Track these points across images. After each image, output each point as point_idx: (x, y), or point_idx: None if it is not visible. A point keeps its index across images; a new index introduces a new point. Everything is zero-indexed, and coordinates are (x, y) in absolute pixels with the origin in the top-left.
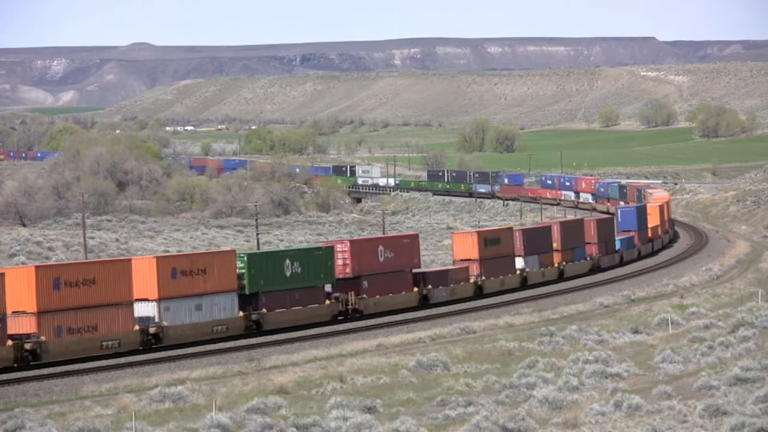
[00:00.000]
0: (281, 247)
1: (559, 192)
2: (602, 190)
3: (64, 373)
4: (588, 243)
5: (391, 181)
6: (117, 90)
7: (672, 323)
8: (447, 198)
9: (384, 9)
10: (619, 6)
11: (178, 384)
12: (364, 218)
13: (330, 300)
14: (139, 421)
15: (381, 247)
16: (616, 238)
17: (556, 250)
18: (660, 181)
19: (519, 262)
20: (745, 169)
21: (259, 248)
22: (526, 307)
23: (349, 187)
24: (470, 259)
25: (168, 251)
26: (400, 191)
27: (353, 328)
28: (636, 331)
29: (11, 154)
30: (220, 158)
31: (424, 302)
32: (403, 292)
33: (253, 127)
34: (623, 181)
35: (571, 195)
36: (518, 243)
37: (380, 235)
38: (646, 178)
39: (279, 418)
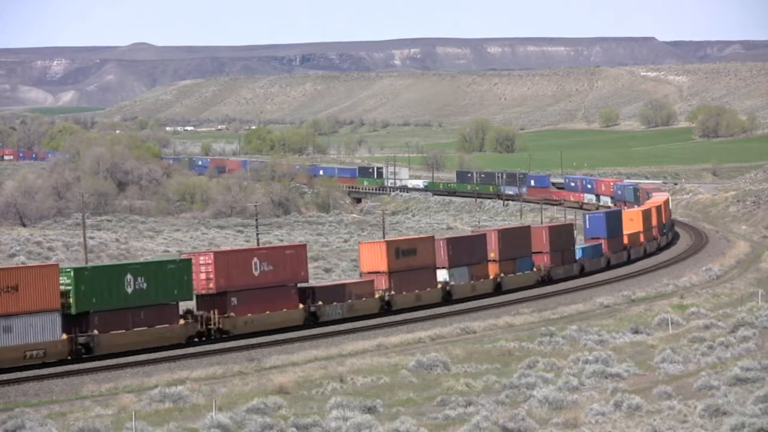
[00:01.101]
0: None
1: (581, 195)
2: (619, 192)
3: (64, 373)
4: (537, 252)
5: (420, 183)
6: (117, 90)
7: (672, 323)
8: (447, 198)
9: (384, 9)
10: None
11: (178, 384)
12: (364, 218)
13: (186, 319)
14: (139, 421)
15: (256, 260)
16: (577, 246)
17: (493, 261)
18: (660, 181)
19: (441, 275)
20: (745, 169)
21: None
22: (526, 308)
23: (349, 188)
24: (378, 272)
25: (168, 251)
26: (432, 194)
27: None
28: (636, 331)
29: (20, 154)
30: (237, 159)
31: (313, 320)
32: (285, 309)
33: (253, 127)
34: (640, 183)
35: (593, 198)
36: (442, 253)
37: (255, 246)
38: (646, 178)
39: (279, 418)
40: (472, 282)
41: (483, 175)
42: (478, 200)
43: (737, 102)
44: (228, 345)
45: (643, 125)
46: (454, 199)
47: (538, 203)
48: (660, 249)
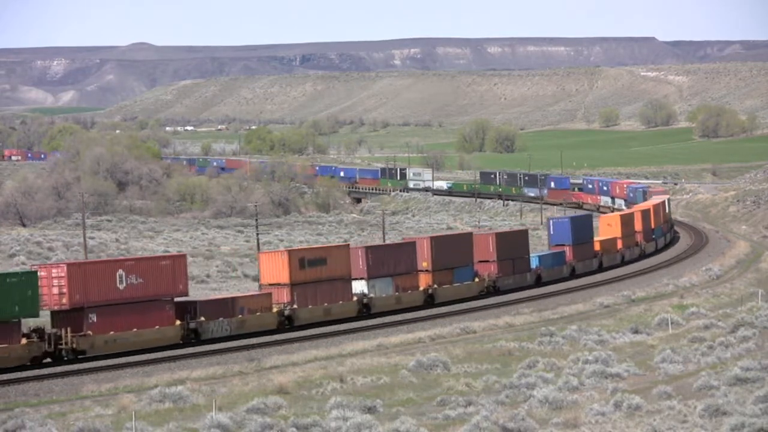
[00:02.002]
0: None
1: (597, 197)
2: (631, 195)
3: (64, 373)
4: (482, 261)
5: (444, 184)
6: (117, 90)
7: (672, 323)
8: (447, 198)
9: (384, 9)
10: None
11: (178, 384)
12: (364, 218)
13: (30, 338)
14: (139, 421)
15: (121, 272)
16: (532, 254)
17: (425, 271)
18: (660, 181)
19: (359, 287)
20: (745, 169)
21: (259, 248)
22: (526, 308)
23: (349, 188)
24: (279, 284)
25: (168, 251)
26: (452, 195)
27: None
28: (636, 331)
29: (29, 155)
30: (253, 160)
31: (194, 337)
32: (158, 327)
33: (253, 127)
34: (650, 186)
35: (608, 200)
36: (360, 263)
37: (122, 257)
38: (646, 178)
39: (279, 418)
40: (397, 294)
41: (506, 177)
42: (478, 200)
43: (737, 102)
44: (228, 345)
45: (643, 125)
46: (454, 199)
47: (560, 205)
48: (646, 256)
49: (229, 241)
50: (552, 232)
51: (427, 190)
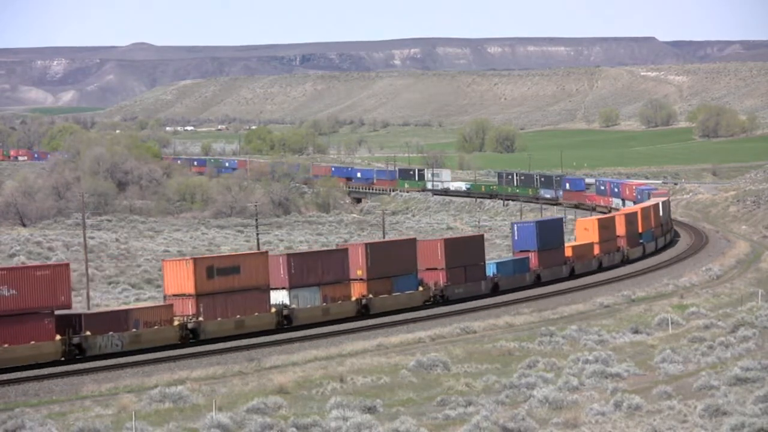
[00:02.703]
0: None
1: (609, 199)
2: (639, 197)
3: (64, 373)
4: (430, 269)
5: (462, 185)
6: (117, 90)
7: (672, 323)
8: (447, 198)
9: (384, 9)
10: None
11: (178, 384)
12: (364, 218)
13: None
14: (139, 421)
15: None
16: (489, 261)
17: (359, 279)
18: (660, 181)
19: (278, 297)
20: (745, 169)
21: (259, 249)
22: (526, 307)
23: (350, 188)
24: (184, 294)
25: (168, 251)
26: (475, 197)
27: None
28: (636, 331)
29: (35, 155)
30: (266, 160)
31: (78, 353)
32: (33, 342)
33: (253, 127)
34: (658, 187)
35: (620, 202)
36: (281, 271)
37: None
38: (646, 178)
39: (279, 418)
40: (324, 305)
41: (522, 177)
42: (478, 200)
43: (737, 102)
44: (228, 345)
45: (643, 125)
46: (453, 199)
47: (576, 207)
48: (629, 261)
49: (229, 241)
50: (516, 238)
51: (446, 192)
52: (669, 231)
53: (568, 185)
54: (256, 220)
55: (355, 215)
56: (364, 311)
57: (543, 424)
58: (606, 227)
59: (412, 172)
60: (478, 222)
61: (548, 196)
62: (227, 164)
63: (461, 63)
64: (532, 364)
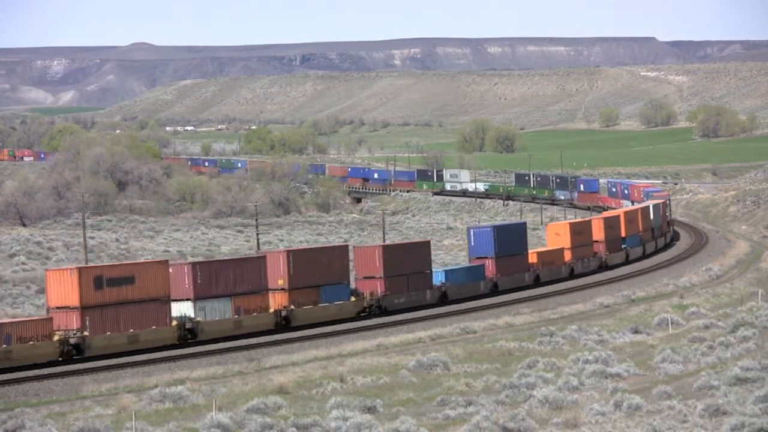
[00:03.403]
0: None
1: (620, 201)
2: (645, 198)
3: (64, 373)
4: (367, 277)
5: (481, 186)
6: (117, 90)
7: (672, 323)
8: (447, 198)
9: (384, 9)
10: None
11: (178, 384)
12: (364, 218)
13: None
14: (139, 421)
15: None
16: (436, 270)
17: (280, 290)
18: (660, 181)
19: (181, 309)
20: (745, 169)
21: (259, 249)
22: (526, 307)
23: (350, 188)
24: (68, 307)
25: (168, 251)
26: (489, 198)
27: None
28: (636, 331)
29: (42, 155)
30: (283, 162)
31: None
32: None
33: (253, 127)
34: (665, 189)
35: (629, 204)
36: (185, 281)
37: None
38: (646, 178)
39: (279, 418)
40: (236, 317)
41: (539, 179)
42: (478, 200)
43: (737, 102)
44: (228, 345)
45: (643, 125)
46: (454, 199)
47: (588, 209)
48: (608, 267)
49: (229, 241)
50: (472, 244)
51: (464, 193)
52: (663, 235)
53: (582, 187)
54: (256, 220)
55: (355, 215)
56: (284, 324)
57: (543, 424)
58: (580, 232)
59: (430, 173)
60: (478, 222)
61: (563, 197)
62: (239, 165)
63: (461, 63)
64: (532, 364)
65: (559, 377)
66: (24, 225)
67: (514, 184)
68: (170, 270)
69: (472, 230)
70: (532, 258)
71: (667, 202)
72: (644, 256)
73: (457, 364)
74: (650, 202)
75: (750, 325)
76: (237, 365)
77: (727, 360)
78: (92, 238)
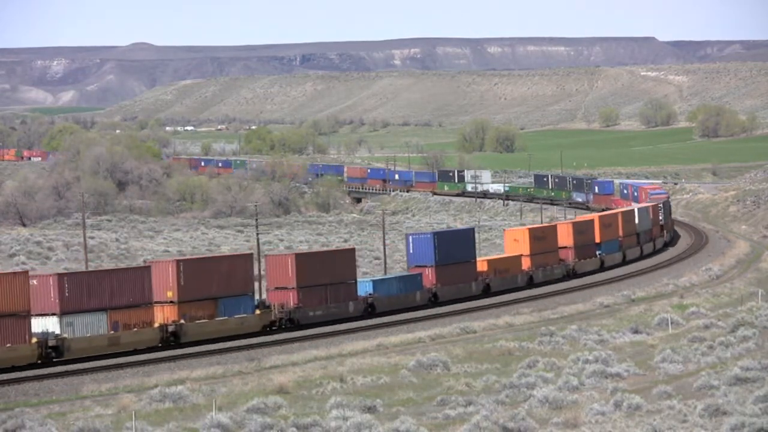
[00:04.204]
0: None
1: (630, 203)
2: (650, 201)
3: (64, 373)
4: (278, 288)
5: (500, 187)
6: (117, 90)
7: (672, 323)
8: (447, 198)
9: (384, 9)
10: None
11: (178, 384)
12: (364, 218)
13: None
14: (139, 421)
15: None
16: (363, 279)
17: (168, 302)
18: (660, 181)
19: (43, 324)
20: (745, 169)
21: (259, 249)
22: (526, 307)
23: (349, 188)
24: None
25: (168, 251)
26: (511, 200)
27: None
28: (636, 331)
29: (48, 155)
30: (298, 163)
31: None
32: None
33: (253, 127)
34: (666, 191)
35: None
36: (50, 294)
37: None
38: (646, 178)
39: (279, 418)
40: (112, 333)
41: (557, 180)
42: (478, 200)
43: (737, 102)
44: (228, 345)
45: (643, 125)
46: (454, 199)
47: (603, 211)
48: (577, 275)
49: (229, 241)
50: (411, 251)
51: (484, 195)
52: (652, 240)
53: (597, 189)
54: (256, 220)
55: (355, 215)
56: (172, 339)
57: (543, 424)
58: (541, 238)
59: (451, 174)
60: (478, 222)
61: (580, 200)
62: (254, 166)
63: (461, 63)
64: (532, 364)
65: (559, 377)
66: (24, 225)
67: (533, 185)
68: (34, 282)
69: (410, 237)
70: (482, 266)
71: (660, 205)
72: (624, 263)
73: (457, 364)
74: (635, 206)
75: (750, 325)
76: (237, 365)
77: (727, 360)
78: (92, 238)
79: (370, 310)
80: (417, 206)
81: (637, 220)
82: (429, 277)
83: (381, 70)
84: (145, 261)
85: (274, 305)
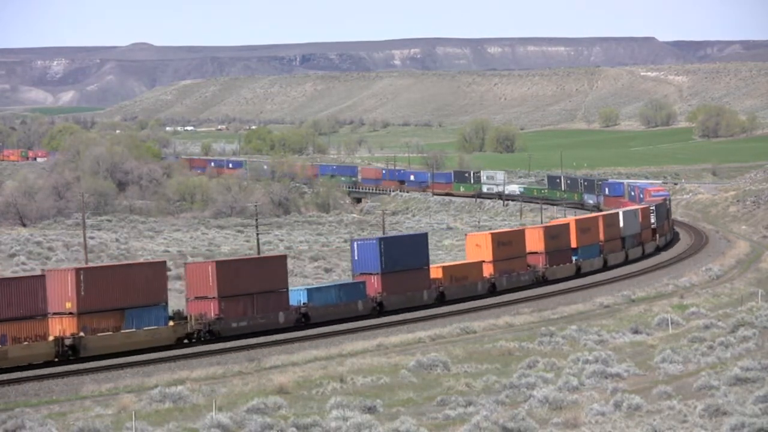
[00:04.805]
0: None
1: (635, 204)
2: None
3: (64, 373)
4: (198, 298)
5: (516, 189)
6: (117, 90)
7: (672, 323)
8: (447, 198)
9: (384, 9)
10: (619, 6)
11: (178, 384)
12: (364, 218)
13: None
14: (139, 421)
15: None
16: (297, 288)
17: (67, 314)
18: (660, 181)
19: None
20: (745, 169)
21: (259, 249)
22: (526, 307)
23: (349, 187)
24: None
25: (168, 251)
26: (524, 201)
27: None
28: (636, 331)
29: (54, 155)
30: (316, 164)
31: None
32: None
33: (253, 127)
34: (668, 192)
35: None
36: None
37: None
38: (646, 178)
39: (279, 418)
40: (1, 347)
41: (569, 182)
42: (478, 200)
43: (737, 102)
44: (228, 345)
45: (643, 125)
46: (454, 199)
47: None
48: (545, 282)
49: (229, 242)
50: (356, 258)
51: (499, 196)
52: (641, 244)
53: (607, 190)
54: (256, 220)
55: (355, 215)
56: (70, 354)
57: (543, 424)
58: (506, 243)
59: (467, 175)
60: (478, 222)
61: (591, 201)
62: (265, 167)
63: (461, 63)
64: (532, 364)
65: (559, 377)
66: (24, 225)
67: (547, 186)
68: None
69: (354, 243)
70: (436, 273)
71: (652, 208)
72: (606, 268)
73: (457, 364)
74: (619, 210)
75: (750, 325)
76: (237, 365)
77: (727, 360)
78: (92, 238)
79: (303, 320)
80: (417, 206)
81: (622, 224)
82: (374, 285)
83: (381, 70)
84: (42, 270)
85: (191, 316)
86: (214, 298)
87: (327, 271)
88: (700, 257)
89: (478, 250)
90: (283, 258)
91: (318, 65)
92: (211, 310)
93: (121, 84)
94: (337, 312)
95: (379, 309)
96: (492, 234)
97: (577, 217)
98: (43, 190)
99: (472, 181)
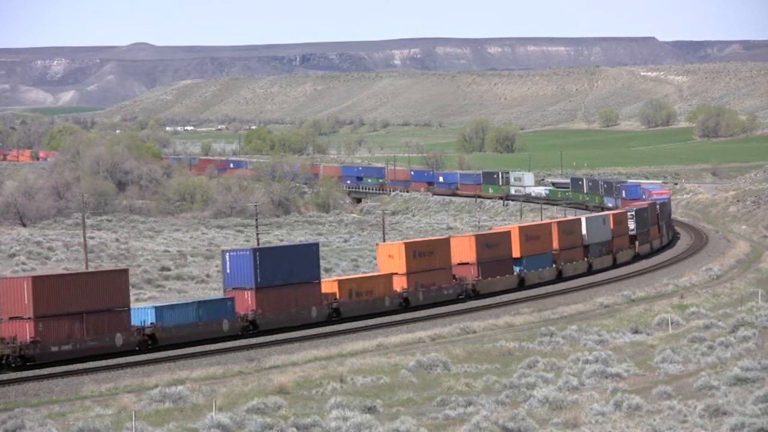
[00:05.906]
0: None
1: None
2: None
3: (64, 373)
4: (13, 319)
5: (542, 190)
6: (117, 90)
7: (672, 323)
8: (447, 198)
9: (384, 9)
10: (619, 6)
11: (178, 384)
12: (364, 218)
13: None
14: (139, 421)
15: None
16: (142, 306)
17: None
18: (660, 181)
19: None
20: (745, 169)
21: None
22: (526, 307)
23: (349, 188)
24: None
25: (168, 251)
26: (549, 203)
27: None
28: (636, 331)
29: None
30: (335, 165)
31: None
32: None
33: (253, 127)
34: (670, 194)
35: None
36: None
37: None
38: (646, 178)
39: (279, 418)
40: None
41: (590, 184)
42: (478, 200)
43: (737, 102)
44: (228, 345)
45: (643, 125)
46: (454, 199)
47: None
48: (476, 296)
49: (229, 241)
50: (228, 271)
51: (527, 198)
52: (610, 252)
53: (624, 193)
54: (256, 220)
55: (355, 215)
56: None
57: (543, 424)
58: (426, 254)
59: (495, 176)
60: (478, 222)
61: (611, 204)
62: (296, 168)
63: (461, 63)
64: (532, 364)
65: (559, 377)
66: (24, 225)
67: (570, 188)
68: None
69: (227, 254)
70: (330, 287)
71: (631, 213)
72: (560, 279)
73: (457, 364)
74: (582, 216)
75: (750, 325)
76: (237, 365)
77: (727, 360)
78: (92, 238)
79: (149, 343)
80: (417, 206)
81: (584, 231)
82: (247, 301)
83: (381, 70)
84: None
85: (2, 339)
86: (29, 318)
87: (327, 270)
88: (700, 257)
89: (390, 261)
90: (123, 272)
91: (318, 65)
92: (26, 332)
93: (121, 84)
94: (196, 332)
95: (250, 329)
96: (406, 243)
97: (521, 225)
98: (43, 190)
99: (501, 182)
